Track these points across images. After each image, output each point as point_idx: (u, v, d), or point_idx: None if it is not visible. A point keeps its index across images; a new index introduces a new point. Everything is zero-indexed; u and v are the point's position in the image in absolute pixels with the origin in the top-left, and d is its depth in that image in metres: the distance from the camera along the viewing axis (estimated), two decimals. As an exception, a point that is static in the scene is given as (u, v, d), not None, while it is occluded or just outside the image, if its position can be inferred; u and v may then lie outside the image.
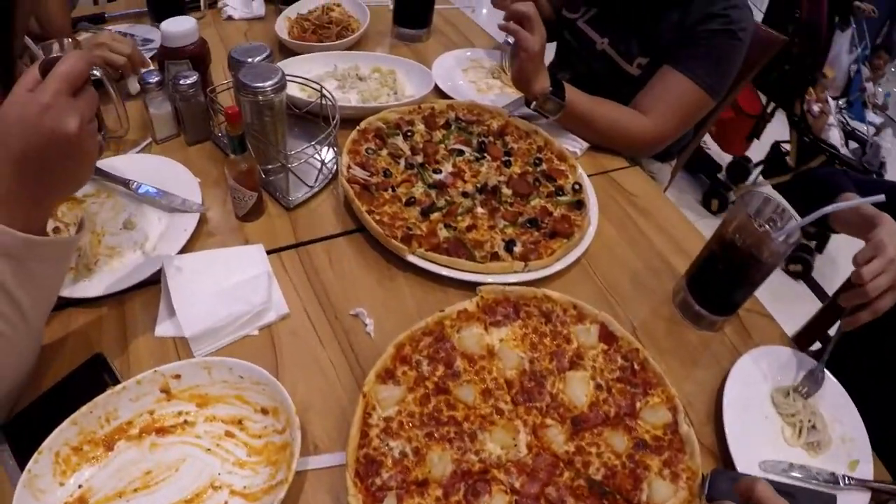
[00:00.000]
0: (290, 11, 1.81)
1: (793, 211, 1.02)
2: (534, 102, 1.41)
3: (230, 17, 1.91)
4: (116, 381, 0.91)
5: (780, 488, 0.74)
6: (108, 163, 1.27)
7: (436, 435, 0.85)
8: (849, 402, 1.02)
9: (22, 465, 0.79)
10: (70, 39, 1.24)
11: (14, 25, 0.75)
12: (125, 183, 1.21)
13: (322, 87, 1.29)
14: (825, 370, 1.04)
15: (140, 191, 1.20)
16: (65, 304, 1.00)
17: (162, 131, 1.36)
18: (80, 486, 0.81)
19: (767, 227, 1.00)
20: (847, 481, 0.92)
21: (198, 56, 1.35)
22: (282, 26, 1.75)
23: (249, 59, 1.22)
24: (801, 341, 1.18)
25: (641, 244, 1.27)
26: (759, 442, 0.96)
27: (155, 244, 1.12)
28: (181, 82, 1.27)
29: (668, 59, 1.53)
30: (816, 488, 0.91)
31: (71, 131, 0.72)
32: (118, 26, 1.82)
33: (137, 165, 1.27)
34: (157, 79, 1.30)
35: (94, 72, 1.22)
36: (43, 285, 0.82)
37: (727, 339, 1.12)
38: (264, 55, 1.24)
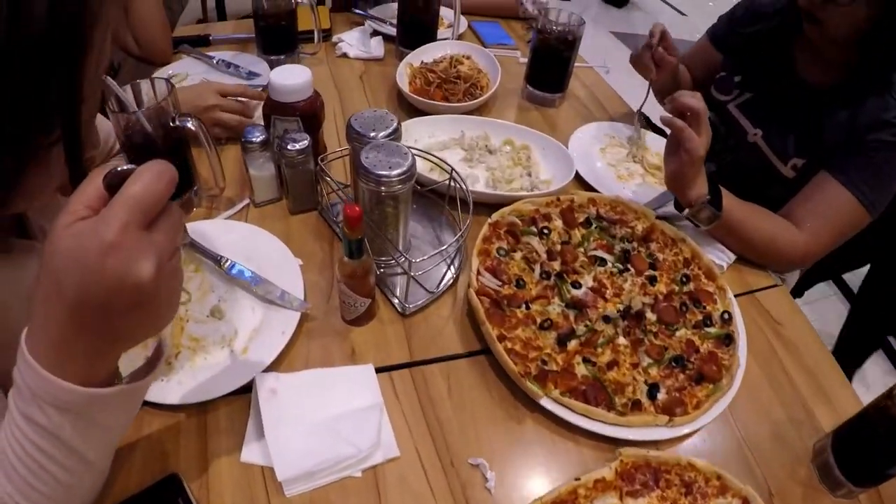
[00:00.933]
0: (413, 58, 1.66)
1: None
2: (687, 210, 1.21)
3: (345, 55, 1.77)
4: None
5: None
6: (197, 226, 1.14)
7: None
8: None
9: None
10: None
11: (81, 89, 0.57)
12: (216, 259, 1.06)
13: (454, 170, 1.12)
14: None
15: (233, 272, 1.05)
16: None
17: (262, 194, 1.22)
18: None
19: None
20: None
21: (310, 114, 1.19)
22: (403, 74, 1.59)
23: (373, 133, 1.04)
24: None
25: (786, 389, 1.07)
26: None
27: (246, 344, 0.97)
28: (289, 147, 1.11)
29: (829, 164, 1.34)
30: None
31: (144, 279, 0.52)
32: (221, 53, 1.72)
33: (230, 234, 1.14)
34: (261, 138, 1.15)
35: (188, 124, 1.08)
36: (109, 431, 0.69)
37: None
38: (390, 130, 1.05)
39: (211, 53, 1.71)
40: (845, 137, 1.32)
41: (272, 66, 1.64)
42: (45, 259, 0.54)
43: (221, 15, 4.41)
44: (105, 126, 1.12)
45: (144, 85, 1.08)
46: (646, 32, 1.50)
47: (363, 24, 1.89)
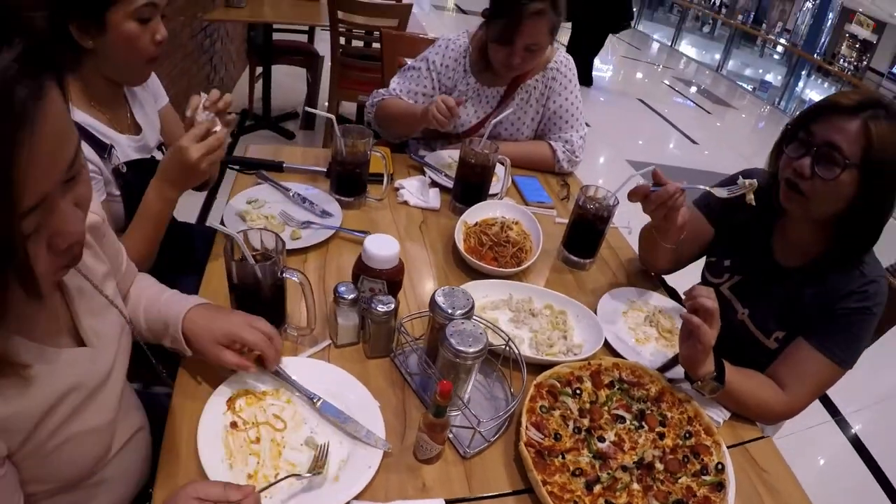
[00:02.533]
0: (469, 216, 1.92)
1: None
2: (695, 383, 1.47)
3: (405, 202, 2.03)
4: None
5: None
6: (289, 361, 1.36)
7: None
8: None
9: None
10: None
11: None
12: (310, 397, 1.28)
13: (510, 340, 1.37)
14: None
15: (323, 409, 1.27)
16: None
17: (344, 339, 1.45)
18: None
19: None
20: None
21: (394, 279, 1.45)
22: (459, 231, 1.85)
23: (451, 311, 1.29)
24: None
25: None
26: None
27: (337, 473, 1.18)
28: (377, 308, 1.35)
29: (804, 333, 1.60)
30: None
31: None
32: (296, 185, 1.96)
33: (316, 371, 1.36)
34: (352, 296, 1.39)
35: (294, 277, 1.33)
36: None
37: None
38: (466, 310, 1.31)
39: (286, 184, 1.95)
40: (818, 309, 1.58)
41: (342, 206, 1.89)
42: None
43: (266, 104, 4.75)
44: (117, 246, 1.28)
45: (253, 233, 1.34)
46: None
47: (421, 172, 2.18)
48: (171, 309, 1.27)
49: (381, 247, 1.42)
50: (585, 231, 1.88)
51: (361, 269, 1.44)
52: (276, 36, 4.56)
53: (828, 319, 1.56)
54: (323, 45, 4.77)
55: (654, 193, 1.63)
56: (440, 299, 1.31)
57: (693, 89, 10.92)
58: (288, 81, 5.36)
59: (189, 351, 1.25)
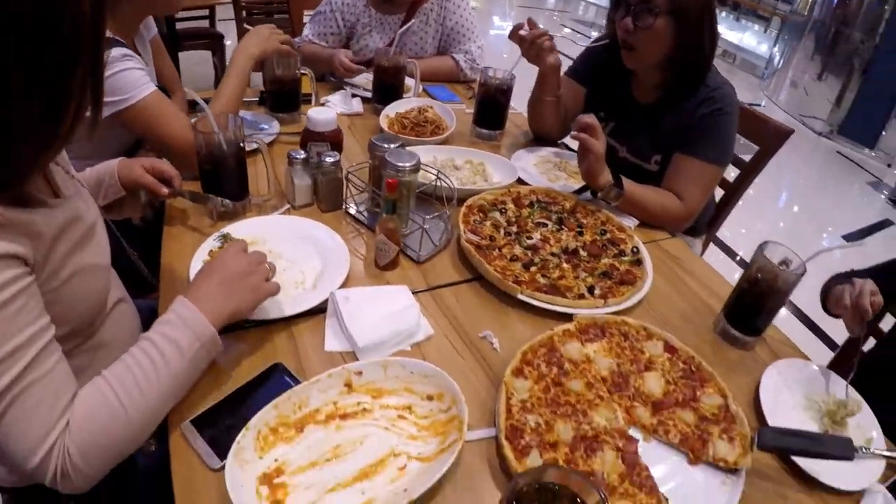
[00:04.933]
0: (389, 110, 2.19)
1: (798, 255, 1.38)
2: (599, 193, 1.78)
3: (334, 113, 2.29)
4: (297, 382, 1.15)
5: (807, 434, 1.10)
6: (266, 220, 1.60)
7: (558, 412, 1.16)
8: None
9: (215, 450, 1.02)
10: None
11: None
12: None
13: (439, 171, 1.64)
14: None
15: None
16: (241, 325, 1.26)
17: (301, 199, 1.67)
18: (275, 460, 1.02)
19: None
20: (863, 451, 1.23)
21: (336, 140, 1.72)
22: (384, 120, 2.13)
23: (387, 145, 1.57)
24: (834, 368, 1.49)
25: (687, 293, 1.62)
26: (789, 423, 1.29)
27: (314, 283, 1.42)
28: (326, 160, 1.60)
29: (677, 148, 1.91)
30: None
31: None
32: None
33: (286, 224, 1.59)
34: (303, 156, 1.63)
35: (254, 143, 1.57)
36: (193, 375, 1.10)
37: (758, 355, 1.46)
38: (398, 144, 1.59)
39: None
40: (681, 127, 1.90)
41: (281, 123, 2.11)
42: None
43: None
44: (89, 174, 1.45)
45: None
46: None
47: (343, 89, 2.43)
48: (103, 166, 1.46)
49: (321, 113, 1.71)
50: (491, 105, 2.19)
51: (308, 137, 1.71)
52: (179, 25, 4.70)
53: (691, 132, 1.88)
54: (224, 26, 5.05)
55: (528, 34, 1.98)
56: (376, 140, 1.61)
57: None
58: (199, 69, 5.52)
59: (123, 189, 1.45)
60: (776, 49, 9.03)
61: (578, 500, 0.82)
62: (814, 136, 7.38)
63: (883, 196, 5.75)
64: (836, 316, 1.52)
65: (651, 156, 2.02)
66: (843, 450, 1.18)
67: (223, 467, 0.97)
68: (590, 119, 1.72)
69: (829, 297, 1.57)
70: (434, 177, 1.65)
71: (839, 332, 1.97)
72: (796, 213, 3.48)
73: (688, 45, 1.82)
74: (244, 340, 1.26)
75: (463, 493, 1.05)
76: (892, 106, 7.39)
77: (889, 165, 6.81)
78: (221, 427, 1.07)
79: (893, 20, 7.20)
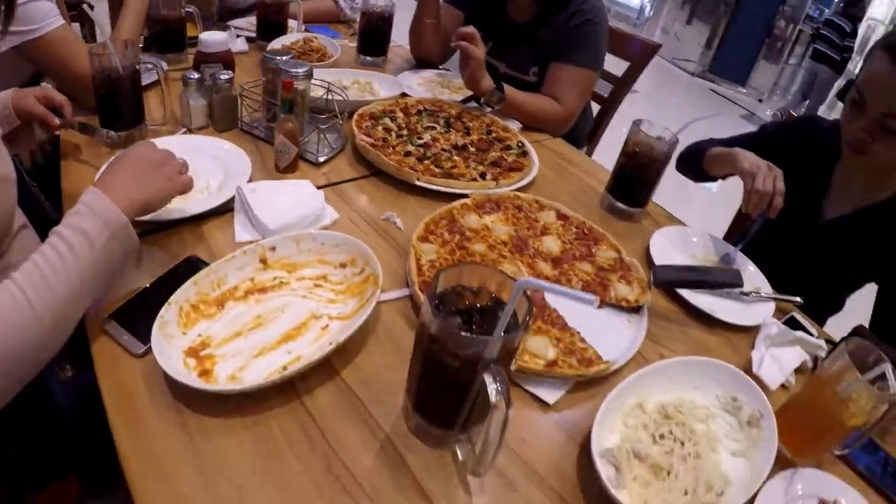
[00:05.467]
0: (276, 44, 2.23)
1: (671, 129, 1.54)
2: (482, 98, 1.89)
3: (218, 52, 2.31)
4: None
5: (697, 268, 1.23)
6: (170, 139, 1.60)
7: (465, 270, 1.27)
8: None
9: (137, 338, 1.02)
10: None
11: None
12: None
13: (330, 84, 1.71)
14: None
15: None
16: (151, 229, 1.28)
17: (197, 121, 1.69)
18: (199, 336, 1.05)
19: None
20: (753, 294, 1.40)
21: (228, 60, 1.76)
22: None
23: (279, 57, 1.63)
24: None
25: (572, 179, 1.78)
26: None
27: (220, 185, 1.45)
28: (220, 77, 1.63)
29: (553, 58, 2.08)
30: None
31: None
32: None
33: (183, 143, 1.59)
34: (196, 77, 1.65)
35: (149, 65, 1.59)
36: (107, 272, 1.02)
37: (644, 227, 1.62)
38: (290, 56, 1.66)
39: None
40: (554, 39, 2.06)
41: (168, 63, 2.05)
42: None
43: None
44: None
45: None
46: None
47: (228, 30, 2.43)
48: None
49: (213, 35, 1.76)
50: (374, 33, 2.29)
51: (201, 59, 1.74)
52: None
53: (563, 41, 2.04)
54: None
55: None
56: (269, 53, 1.66)
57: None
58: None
59: (17, 119, 1.40)
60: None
61: (494, 295, 0.91)
62: (687, 77, 7.84)
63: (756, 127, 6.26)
64: (712, 178, 1.74)
65: (529, 68, 2.17)
66: (733, 277, 1.34)
67: (147, 351, 0.99)
68: (468, 29, 1.84)
69: (709, 158, 1.72)
70: (325, 90, 1.71)
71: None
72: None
73: None
74: (155, 243, 1.27)
75: (386, 343, 1.13)
76: (759, 45, 7.97)
77: (760, 101, 7.35)
78: (142, 317, 1.05)
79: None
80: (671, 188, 1.85)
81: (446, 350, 0.82)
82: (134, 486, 0.84)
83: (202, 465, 0.88)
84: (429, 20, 2.21)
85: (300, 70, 1.53)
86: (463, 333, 0.81)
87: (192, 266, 1.20)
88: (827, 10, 8.64)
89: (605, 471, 0.94)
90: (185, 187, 1.21)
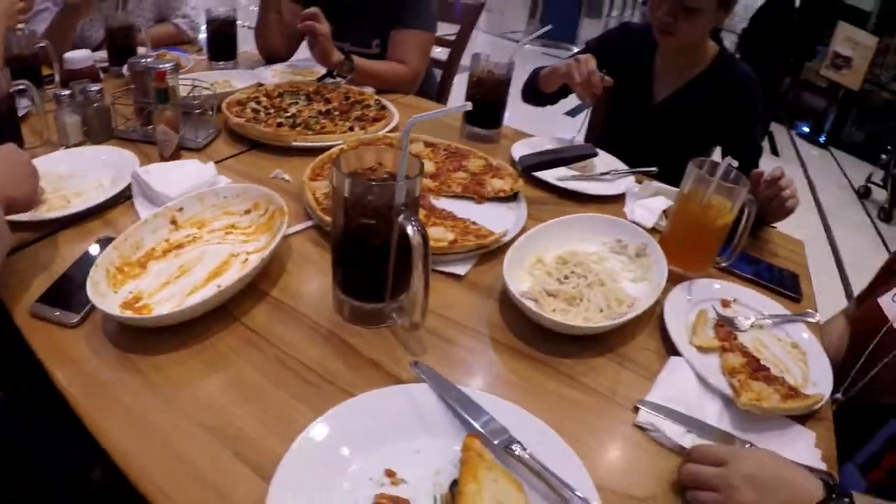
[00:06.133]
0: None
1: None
2: (335, 70, 2.08)
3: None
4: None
5: (555, 150, 1.51)
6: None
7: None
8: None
9: (69, 310, 1.08)
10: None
11: None
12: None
13: (194, 80, 1.85)
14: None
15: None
16: (57, 227, 1.33)
17: (74, 137, 1.74)
18: (130, 293, 1.12)
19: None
20: (613, 173, 1.69)
21: (94, 75, 1.88)
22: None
23: (144, 60, 1.76)
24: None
25: (431, 122, 1.92)
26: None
27: (112, 180, 1.53)
28: (90, 89, 1.72)
29: (392, 27, 2.33)
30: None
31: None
32: None
33: (63, 158, 1.63)
34: (68, 92, 1.72)
35: (21, 85, 1.67)
36: None
37: (503, 146, 1.88)
38: (153, 58, 1.79)
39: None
40: (387, 9, 2.30)
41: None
42: None
43: None
44: None
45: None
46: None
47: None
48: None
49: (76, 53, 1.88)
50: (220, 39, 2.45)
51: (69, 77, 1.86)
52: None
53: (399, 9, 2.29)
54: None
55: None
56: (133, 59, 1.79)
57: None
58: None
59: None
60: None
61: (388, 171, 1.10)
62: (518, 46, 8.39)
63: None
64: (551, 99, 2.05)
65: (371, 41, 2.39)
66: (587, 150, 1.63)
67: (84, 318, 1.07)
68: (311, 10, 2.04)
69: (541, 78, 2.01)
70: (191, 87, 1.85)
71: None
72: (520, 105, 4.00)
73: None
74: (62, 239, 1.33)
75: (303, 265, 1.30)
76: (579, 4, 8.60)
77: (591, 55, 8.04)
78: (68, 294, 1.12)
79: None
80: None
81: (362, 209, 1.00)
82: (114, 444, 0.87)
83: (168, 398, 0.95)
84: (272, 15, 2.39)
85: (167, 65, 1.66)
86: (372, 182, 0.99)
87: (105, 243, 1.26)
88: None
89: (527, 303, 1.16)
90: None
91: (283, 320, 1.14)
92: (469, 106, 1.06)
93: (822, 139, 9.45)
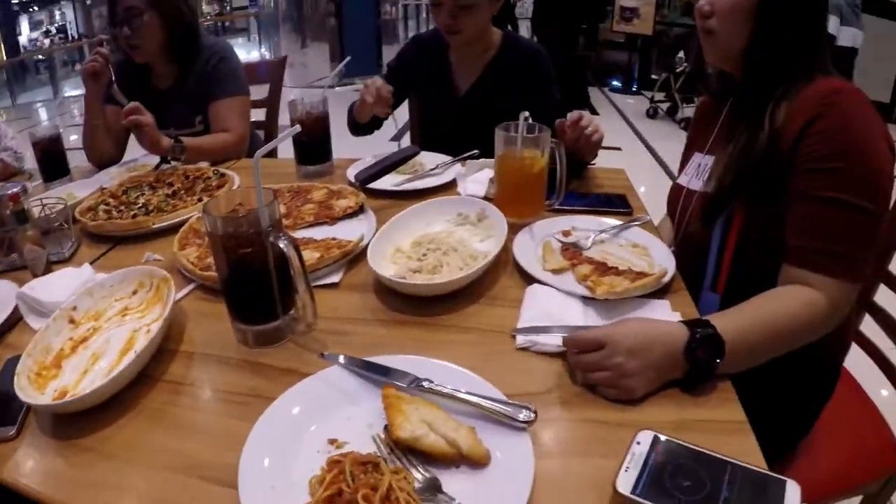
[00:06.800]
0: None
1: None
2: (168, 156, 2.26)
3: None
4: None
5: (382, 159, 1.74)
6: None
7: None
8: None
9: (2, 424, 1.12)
10: None
11: None
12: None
13: (41, 197, 1.96)
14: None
15: None
16: None
17: None
18: (55, 390, 1.19)
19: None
20: (439, 167, 1.93)
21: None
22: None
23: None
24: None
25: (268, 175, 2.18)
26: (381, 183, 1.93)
27: None
28: None
29: (208, 101, 2.53)
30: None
31: None
32: None
33: None
34: None
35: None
36: None
37: (339, 174, 2.11)
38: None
39: None
40: (196, 85, 2.52)
41: None
42: None
43: None
44: None
45: None
46: None
47: None
48: None
49: None
50: (49, 157, 2.51)
51: None
52: None
53: (211, 83, 2.53)
54: None
55: None
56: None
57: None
58: None
59: None
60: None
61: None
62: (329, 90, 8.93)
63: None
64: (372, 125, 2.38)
65: (194, 120, 2.57)
66: (412, 150, 2.08)
67: (19, 430, 1.13)
68: (131, 105, 2.21)
69: (355, 112, 2.36)
70: (40, 206, 1.96)
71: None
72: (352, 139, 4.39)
73: (178, 33, 2.43)
74: None
75: (198, 319, 1.45)
76: (377, 35, 9.58)
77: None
78: None
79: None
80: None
81: (237, 241, 1.21)
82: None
83: (127, 459, 1.05)
84: (97, 122, 2.51)
85: (16, 187, 1.77)
86: (239, 215, 1.22)
87: (14, 361, 1.25)
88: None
89: (397, 279, 1.40)
90: None
91: (199, 366, 1.30)
92: (298, 128, 1.30)
93: (634, 87, 10.39)
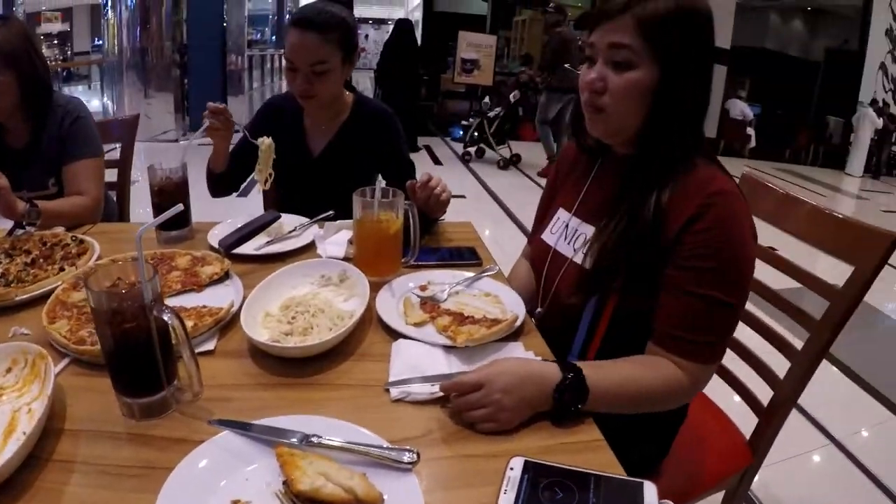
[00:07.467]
0: None
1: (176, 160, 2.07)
2: (24, 221, 2.22)
3: None
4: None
5: (245, 225, 1.83)
6: None
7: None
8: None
9: None
10: None
11: None
12: None
13: None
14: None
15: None
16: None
17: None
18: None
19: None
20: (297, 228, 2.04)
21: None
22: None
23: None
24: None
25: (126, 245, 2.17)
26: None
27: None
28: None
29: (63, 163, 2.49)
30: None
31: None
32: None
33: None
34: None
35: None
36: None
37: (200, 238, 2.18)
38: None
39: None
40: (57, 145, 2.48)
41: None
42: None
43: None
44: None
45: None
46: None
47: None
48: None
49: None
50: None
51: None
52: None
53: (66, 143, 2.48)
54: None
55: None
56: None
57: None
58: None
59: None
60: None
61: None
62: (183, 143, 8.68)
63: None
64: (229, 178, 2.55)
65: (47, 181, 2.53)
66: (272, 216, 2.21)
67: None
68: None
69: (210, 165, 2.48)
70: None
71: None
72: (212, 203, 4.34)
73: (34, 91, 2.39)
74: None
75: (79, 394, 1.42)
76: (223, 89, 9.17)
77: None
78: None
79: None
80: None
81: (122, 316, 1.27)
82: None
83: None
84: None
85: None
86: (122, 291, 1.30)
87: None
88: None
89: (272, 343, 1.50)
90: None
91: (87, 442, 1.30)
92: (181, 207, 1.39)
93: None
